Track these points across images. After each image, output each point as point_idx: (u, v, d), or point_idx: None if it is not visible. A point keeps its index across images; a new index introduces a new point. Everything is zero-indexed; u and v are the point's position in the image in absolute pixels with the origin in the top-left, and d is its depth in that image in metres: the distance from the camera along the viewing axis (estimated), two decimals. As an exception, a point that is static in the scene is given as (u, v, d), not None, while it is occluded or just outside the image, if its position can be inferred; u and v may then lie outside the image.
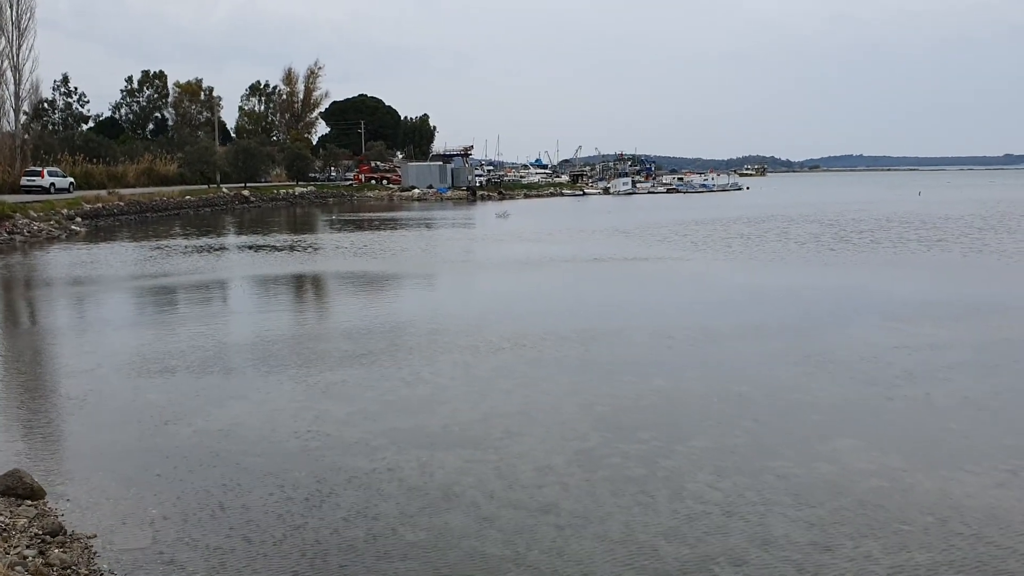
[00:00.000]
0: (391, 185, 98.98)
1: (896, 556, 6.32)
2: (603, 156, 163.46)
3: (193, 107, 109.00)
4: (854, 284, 21.17)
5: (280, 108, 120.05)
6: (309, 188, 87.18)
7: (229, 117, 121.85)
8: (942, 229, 38.78)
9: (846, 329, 14.83)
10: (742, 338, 14.16)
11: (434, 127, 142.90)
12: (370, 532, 6.86)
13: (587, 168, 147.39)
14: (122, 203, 51.32)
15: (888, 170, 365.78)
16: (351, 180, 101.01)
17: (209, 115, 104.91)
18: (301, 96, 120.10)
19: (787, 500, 7.38)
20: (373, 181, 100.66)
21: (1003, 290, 19.92)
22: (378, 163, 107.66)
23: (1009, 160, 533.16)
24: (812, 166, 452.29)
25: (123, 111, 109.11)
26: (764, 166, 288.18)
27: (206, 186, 72.37)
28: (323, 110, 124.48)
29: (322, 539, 6.75)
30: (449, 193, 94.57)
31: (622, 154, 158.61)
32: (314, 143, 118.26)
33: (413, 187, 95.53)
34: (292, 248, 33.40)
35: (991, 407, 10.04)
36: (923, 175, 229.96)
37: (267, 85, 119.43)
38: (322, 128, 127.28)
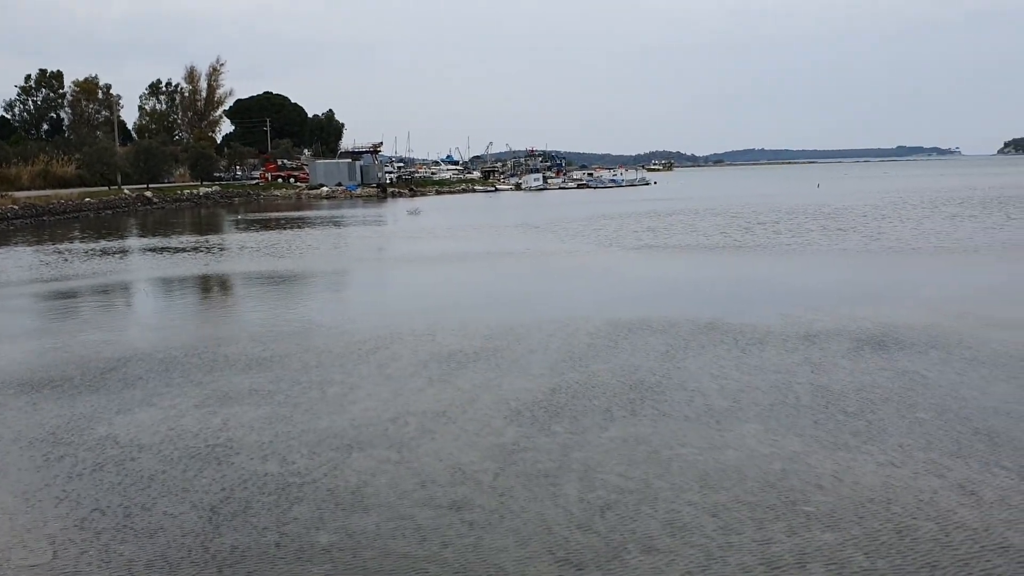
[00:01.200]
0: (299, 183, 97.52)
1: (799, 537, 6.53)
2: (514, 152, 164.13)
3: (91, 106, 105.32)
4: (757, 274, 21.79)
5: (183, 107, 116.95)
6: (214, 188, 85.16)
7: (129, 116, 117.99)
8: (840, 219, 40.17)
9: (750, 318, 15.24)
10: (651, 329, 14.42)
11: (342, 124, 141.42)
12: (282, 537, 6.76)
13: (498, 164, 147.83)
14: (16, 206, 49.31)
15: (788, 163, 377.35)
16: (257, 179, 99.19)
17: (108, 114, 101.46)
18: (204, 94, 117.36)
19: (695, 486, 7.56)
20: (280, 180, 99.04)
21: (898, 278, 20.76)
22: (285, 161, 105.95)
23: (902, 151, 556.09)
24: (716, 160, 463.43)
25: (16, 110, 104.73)
26: (671, 161, 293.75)
27: (107, 188, 70.01)
28: (227, 108, 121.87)
29: (233, 547, 6.63)
30: (359, 191, 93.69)
31: (533, 150, 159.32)
32: (218, 142, 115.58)
33: (321, 185, 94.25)
34: (197, 249, 32.61)
35: (885, 390, 10.44)
36: (821, 167, 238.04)
37: (169, 83, 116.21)
38: (227, 127, 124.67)
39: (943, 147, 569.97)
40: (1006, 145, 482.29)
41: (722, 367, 11.74)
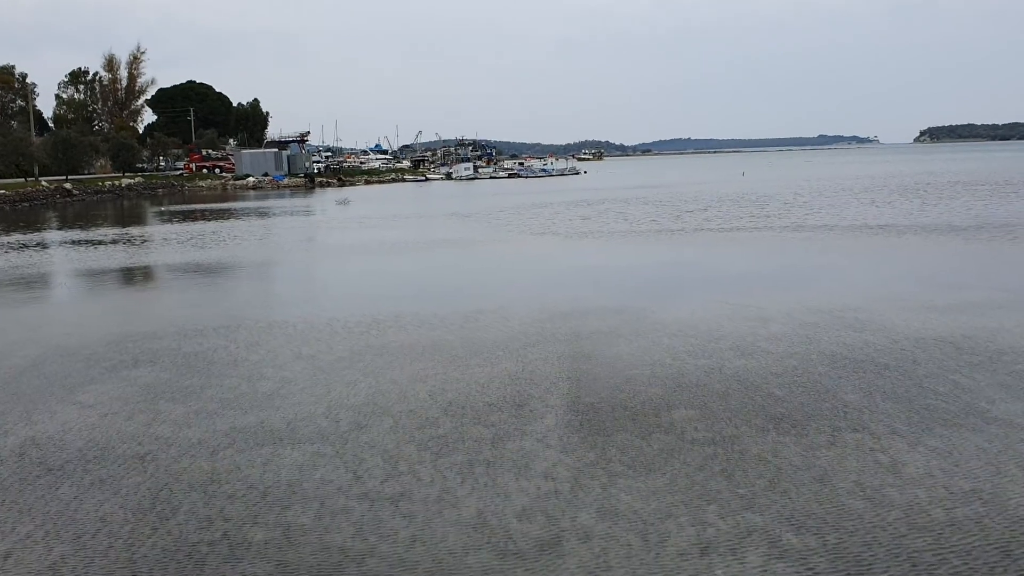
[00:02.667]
0: (224, 174, 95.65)
1: (733, 519, 6.63)
2: (444, 141, 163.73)
3: (6, 96, 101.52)
4: (687, 260, 22.10)
5: (103, 96, 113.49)
6: (137, 179, 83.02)
7: (46, 106, 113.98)
8: (766, 206, 40.98)
9: (680, 304, 15.43)
10: (584, 316, 14.50)
11: (267, 113, 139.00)
12: (216, 534, 6.60)
13: (428, 153, 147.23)
14: (-77, 199, 47.25)
15: (714, 152, 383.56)
16: (181, 170, 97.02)
17: (23, 104, 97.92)
18: (125, 83, 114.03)
19: (630, 472, 7.62)
20: (205, 170, 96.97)
21: (818, 263, 21.24)
22: (210, 151, 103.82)
23: (823, 140, 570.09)
24: (645, 150, 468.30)
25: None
26: (601, 151, 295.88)
27: (23, 179, 67.59)
28: (149, 97, 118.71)
29: (165, 546, 6.45)
30: (286, 181, 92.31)
31: (463, 139, 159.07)
32: (141, 132, 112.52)
33: (248, 175, 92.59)
34: (120, 242, 31.74)
35: (810, 374, 10.67)
36: (746, 156, 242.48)
37: (87, 72, 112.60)
38: (149, 116, 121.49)
39: (862, 136, 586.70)
40: (921, 134, 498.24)
41: (655, 353, 11.85)
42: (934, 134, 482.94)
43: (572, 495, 7.15)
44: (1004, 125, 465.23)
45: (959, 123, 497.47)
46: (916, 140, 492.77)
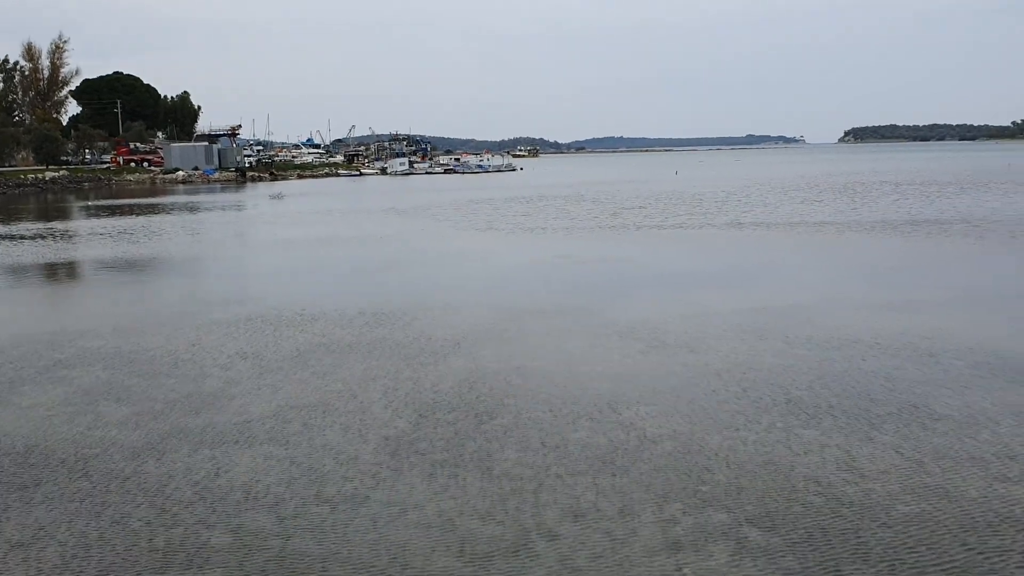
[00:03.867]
0: (153, 168, 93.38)
1: (696, 516, 6.65)
2: (378, 136, 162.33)
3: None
4: (631, 258, 22.23)
5: (22, 86, 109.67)
6: (62, 172, 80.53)
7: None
8: (702, 204, 41.54)
9: (626, 300, 15.51)
10: (532, 314, 14.47)
11: (198, 106, 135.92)
12: (168, 541, 6.37)
13: (362, 148, 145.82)
14: None
15: (646, 151, 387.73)
16: (108, 163, 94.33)
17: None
18: (47, 73, 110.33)
19: (592, 470, 7.60)
20: (133, 164, 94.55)
21: (760, 259, 21.57)
22: (138, 145, 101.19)
23: (751, 140, 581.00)
24: (578, 148, 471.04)
25: None
26: (537, 148, 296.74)
27: (-64, 171, 64.94)
28: (73, 88, 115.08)
29: (114, 553, 6.20)
30: (217, 175, 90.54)
31: (397, 134, 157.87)
32: (65, 124, 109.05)
33: (177, 169, 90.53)
34: (45, 237, 30.72)
35: (760, 369, 10.80)
36: (678, 155, 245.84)
37: (7, 61, 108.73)
38: (74, 108, 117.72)
39: (789, 136, 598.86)
40: (846, 134, 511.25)
41: (607, 350, 11.88)
42: (858, 134, 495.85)
43: (534, 495, 7.09)
44: (924, 126, 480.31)
45: (882, 124, 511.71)
46: (841, 140, 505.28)
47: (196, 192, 67.93)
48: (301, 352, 12.15)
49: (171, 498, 7.16)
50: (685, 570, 5.83)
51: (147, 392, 10.28)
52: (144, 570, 5.97)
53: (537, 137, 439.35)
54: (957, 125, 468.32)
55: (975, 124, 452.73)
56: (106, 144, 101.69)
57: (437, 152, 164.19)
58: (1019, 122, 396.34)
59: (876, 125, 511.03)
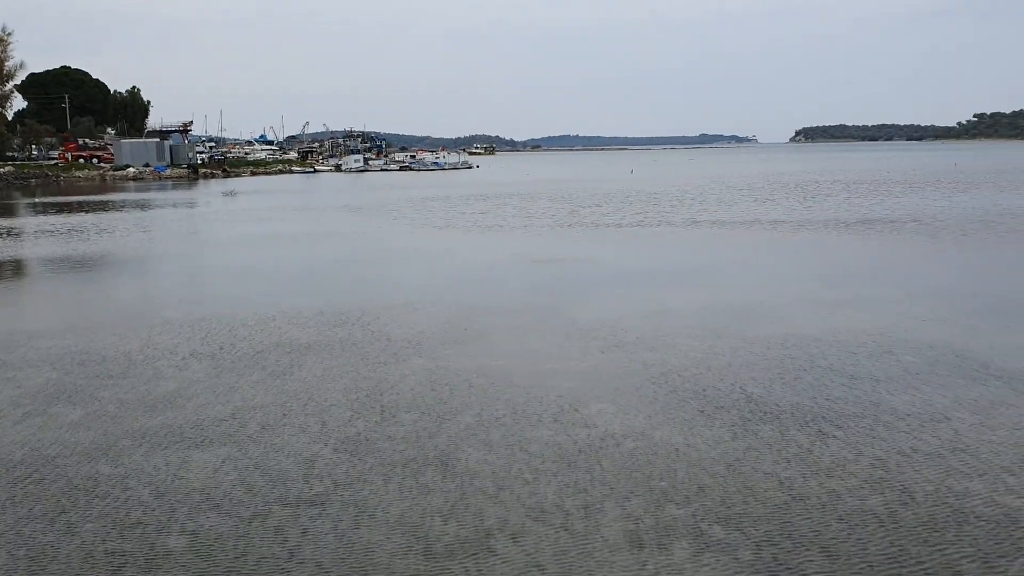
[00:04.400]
0: (103, 164, 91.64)
1: (658, 512, 6.69)
2: (332, 132, 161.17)
3: None
4: (588, 256, 22.31)
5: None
6: (7, 168, 78.77)
7: None
8: (658, 203, 41.86)
9: (586, 299, 15.57)
10: (492, 313, 14.46)
11: (148, 101, 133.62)
12: (124, 544, 6.26)
13: (316, 145, 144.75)
14: None
15: (601, 149, 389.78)
16: (56, 159, 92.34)
17: None
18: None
19: (554, 468, 7.61)
20: (82, 160, 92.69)
21: (717, 258, 21.79)
22: (87, 141, 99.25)
23: (704, 139, 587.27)
24: (534, 146, 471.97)
25: None
26: (493, 145, 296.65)
27: None
28: (19, 83, 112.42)
29: (69, 558, 6.07)
30: (168, 172, 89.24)
31: (351, 131, 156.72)
32: (10, 119, 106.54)
33: (128, 166, 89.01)
34: (-9, 235, 29.95)
35: (719, 367, 10.91)
36: (632, 153, 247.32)
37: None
38: (19, 102, 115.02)
39: (741, 135, 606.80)
40: (797, 134, 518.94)
41: (567, 349, 11.91)
42: (809, 134, 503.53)
43: (497, 493, 7.09)
44: (873, 127, 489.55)
45: (832, 124, 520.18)
46: (792, 140, 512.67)
47: (147, 189, 66.84)
48: (258, 352, 12.00)
49: (127, 501, 7.03)
50: (648, 567, 5.87)
51: (100, 393, 10.09)
52: (100, 571, 5.85)
53: (493, 135, 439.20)
54: (905, 125, 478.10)
55: (922, 125, 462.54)
56: (54, 140, 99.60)
57: (392, 149, 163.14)
58: (964, 123, 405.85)
59: (826, 125, 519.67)
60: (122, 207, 45.36)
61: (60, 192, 62.77)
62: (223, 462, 7.88)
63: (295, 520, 6.65)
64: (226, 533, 6.44)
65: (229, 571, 5.90)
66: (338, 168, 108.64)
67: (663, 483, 7.27)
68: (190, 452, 8.14)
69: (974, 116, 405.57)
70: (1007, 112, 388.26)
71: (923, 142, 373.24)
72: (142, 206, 46.18)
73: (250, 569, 5.93)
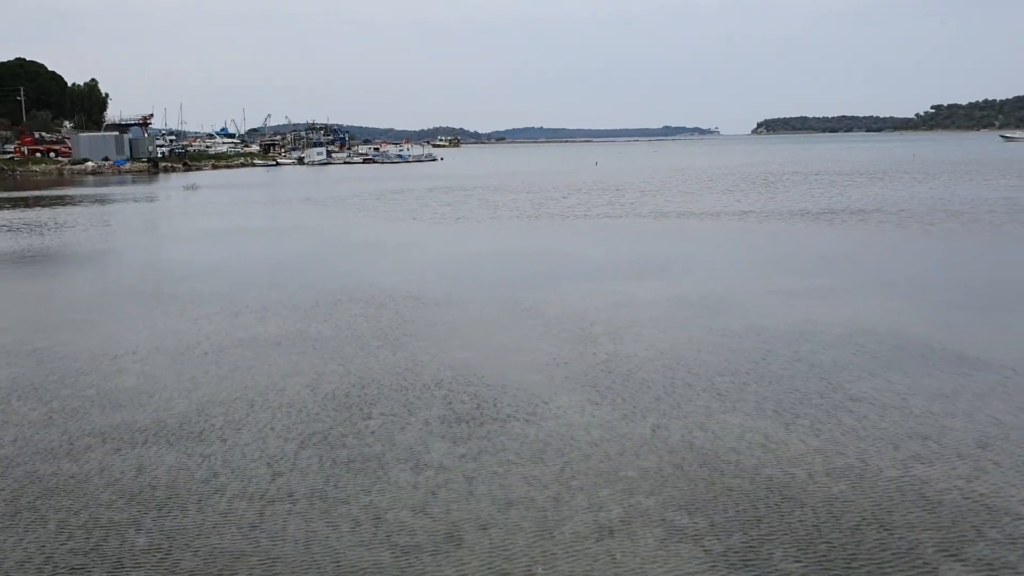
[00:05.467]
0: (60, 158, 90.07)
1: (625, 501, 6.74)
2: (294, 125, 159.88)
3: None
4: (555, 248, 22.35)
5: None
6: (-41, 162, 76.90)
7: None
8: (624, 194, 42.01)
9: (552, 291, 15.60)
10: (458, 305, 14.44)
11: (106, 94, 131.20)
12: (91, 542, 6.18)
13: (278, 138, 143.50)
14: None
15: (566, 141, 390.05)
16: (12, 153, 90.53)
17: None
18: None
19: (522, 460, 7.63)
20: (39, 154, 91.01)
21: (679, 249, 21.91)
22: (43, 134, 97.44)
23: (667, 131, 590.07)
24: (499, 138, 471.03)
25: None
26: (458, 137, 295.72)
27: None
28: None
29: (37, 558, 5.98)
30: (128, 165, 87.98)
31: (314, 123, 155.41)
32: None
33: (86, 160, 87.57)
34: (-55, 231, 29.32)
35: (683, 357, 11.00)
36: (596, 146, 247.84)
37: None
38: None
39: (704, 127, 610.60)
40: (759, 126, 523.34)
41: (535, 341, 11.93)
42: (770, 126, 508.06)
43: (466, 486, 7.09)
44: (833, 118, 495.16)
45: (793, 116, 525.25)
46: (754, 132, 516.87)
47: (107, 183, 65.81)
48: (223, 347, 11.89)
49: (90, 499, 6.94)
50: (615, 555, 5.91)
51: (61, 390, 9.94)
52: (70, 572, 5.78)
53: (457, 127, 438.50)
54: (864, 117, 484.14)
55: (881, 116, 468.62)
56: (9, 133, 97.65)
57: (356, 141, 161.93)
58: (922, 114, 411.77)
59: (787, 117, 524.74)
60: (81, 202, 44.63)
61: (16, 187, 61.62)
62: (188, 458, 7.80)
63: (263, 516, 6.60)
64: (191, 529, 6.38)
65: (194, 567, 5.85)
66: (301, 161, 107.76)
67: (630, 472, 7.32)
68: (154, 449, 8.05)
69: (932, 108, 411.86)
70: (963, 104, 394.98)
71: (882, 133, 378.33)
72: (101, 201, 45.48)
73: (219, 565, 5.87)
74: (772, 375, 10.12)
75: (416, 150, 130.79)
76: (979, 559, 5.77)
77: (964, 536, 6.08)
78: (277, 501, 6.87)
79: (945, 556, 5.82)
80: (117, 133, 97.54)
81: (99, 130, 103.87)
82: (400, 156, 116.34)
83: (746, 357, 10.92)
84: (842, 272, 17.40)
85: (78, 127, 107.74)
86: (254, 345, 11.95)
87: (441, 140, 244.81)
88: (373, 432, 8.40)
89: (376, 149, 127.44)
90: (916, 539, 6.06)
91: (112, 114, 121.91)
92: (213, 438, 8.33)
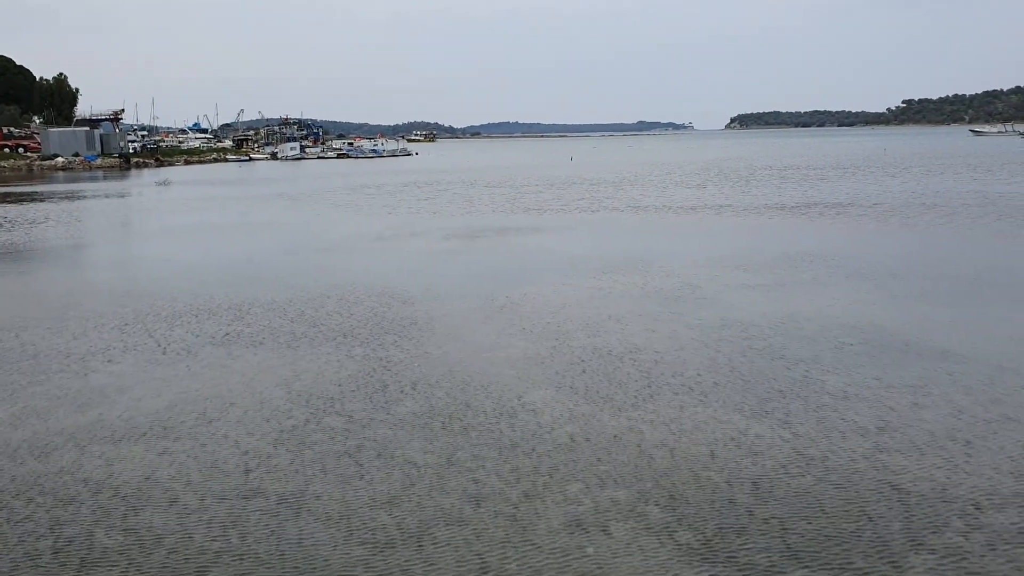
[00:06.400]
0: (29, 154, 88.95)
1: (598, 496, 6.76)
2: (267, 120, 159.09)
3: None
4: (530, 242, 22.35)
5: None
6: (-75, 158, 75.74)
7: None
8: (599, 189, 42.11)
9: (529, 285, 15.60)
10: (434, 300, 14.41)
11: (76, 89, 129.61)
12: (58, 542, 6.11)
13: (251, 133, 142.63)
14: None
15: (541, 136, 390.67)
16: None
17: None
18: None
19: (495, 455, 7.63)
20: (7, 149, 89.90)
21: (654, 244, 22.00)
22: (12, 129, 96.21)
23: (642, 126, 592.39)
24: (474, 133, 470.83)
25: None
26: (434, 132, 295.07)
27: None
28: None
29: (2, 559, 5.91)
30: (99, 161, 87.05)
31: (287, 118, 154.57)
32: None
33: (56, 155, 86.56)
34: (-89, 228, 28.86)
35: (657, 351, 11.05)
36: (571, 141, 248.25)
37: None
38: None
39: (678, 123, 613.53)
40: (732, 121, 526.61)
41: (509, 336, 11.93)
42: (743, 121, 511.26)
43: (438, 482, 7.08)
44: (806, 113, 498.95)
45: (766, 111, 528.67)
46: (727, 127, 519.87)
47: (77, 179, 65.06)
48: (193, 344, 11.80)
49: (60, 498, 6.86)
50: (588, 549, 5.92)
51: (29, 389, 9.82)
52: (29, 573, 5.71)
53: (432, 121, 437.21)
54: (836, 111, 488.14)
55: (853, 111, 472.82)
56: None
57: (330, 136, 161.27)
58: (894, 109, 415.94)
59: (761, 112, 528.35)
60: (51, 198, 44.10)
61: (-16, 183, 60.74)
62: (159, 456, 7.73)
63: (234, 514, 6.55)
64: (163, 527, 6.32)
65: (166, 565, 5.79)
66: (274, 156, 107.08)
67: (603, 466, 7.34)
68: (124, 447, 7.97)
69: (903, 102, 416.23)
70: (934, 98, 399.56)
71: (854, 128, 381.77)
72: (72, 197, 44.95)
73: (190, 563, 5.83)
74: (744, 368, 10.17)
75: (391, 145, 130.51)
76: (946, 549, 5.84)
77: (932, 527, 6.15)
78: (248, 498, 6.82)
79: (913, 546, 5.88)
80: (87, 128, 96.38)
81: (69, 125, 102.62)
82: (374, 151, 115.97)
83: (720, 351, 10.98)
84: (820, 265, 17.52)
85: (47, 122, 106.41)
86: (226, 342, 11.87)
87: (416, 135, 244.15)
88: (346, 428, 8.36)
89: (350, 144, 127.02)
90: (885, 530, 6.12)
91: (82, 109, 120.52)
92: (183, 435, 8.25)
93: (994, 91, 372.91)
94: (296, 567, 5.78)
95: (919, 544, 5.91)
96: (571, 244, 22.16)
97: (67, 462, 7.64)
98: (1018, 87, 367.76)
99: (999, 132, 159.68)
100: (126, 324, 13.07)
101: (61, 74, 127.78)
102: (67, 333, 12.55)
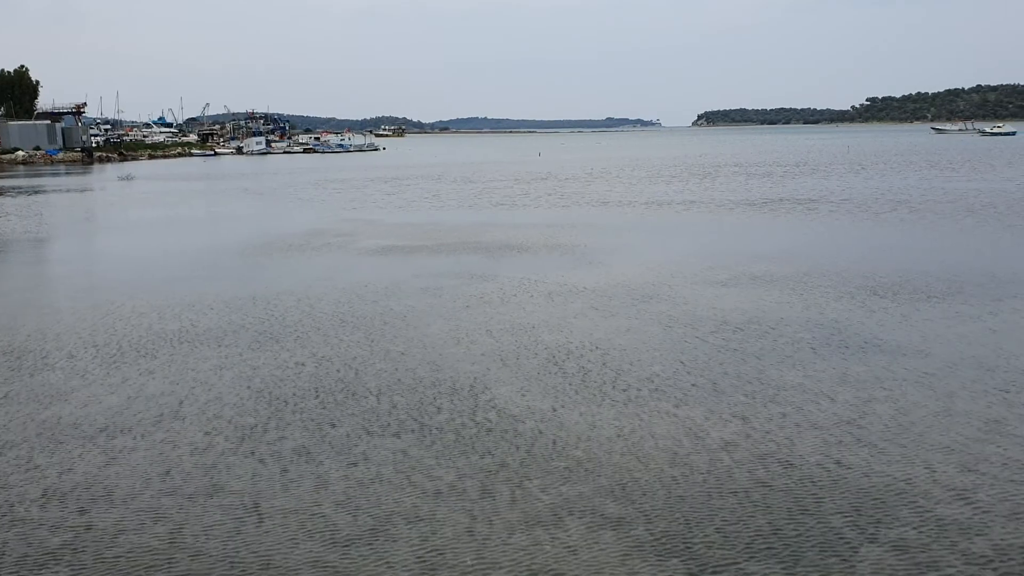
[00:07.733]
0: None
1: (555, 491, 6.78)
2: (233, 115, 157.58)
3: None
4: (494, 238, 22.33)
5: None
6: None
7: None
8: (567, 185, 42.17)
9: (490, 282, 15.61)
10: (392, 296, 14.37)
11: (37, 82, 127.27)
12: (5, 541, 6.03)
13: (216, 127, 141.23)
14: None
15: (510, 132, 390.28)
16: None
17: None
18: None
19: (455, 451, 7.64)
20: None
21: (617, 240, 22.06)
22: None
23: (610, 123, 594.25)
24: (443, 128, 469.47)
25: None
26: (402, 127, 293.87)
27: None
28: None
29: (-55, 560, 5.82)
30: (61, 155, 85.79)
31: (253, 112, 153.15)
32: None
33: (16, 149, 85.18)
34: None
35: (616, 347, 11.10)
36: (539, 137, 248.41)
37: None
38: None
39: (646, 119, 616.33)
40: (699, 117, 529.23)
41: (470, 332, 11.93)
42: (710, 118, 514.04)
43: (398, 478, 7.07)
44: (772, 110, 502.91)
45: (733, 108, 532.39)
46: (694, 123, 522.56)
47: (39, 174, 64.06)
48: (151, 340, 11.68)
49: (10, 494, 6.77)
50: (544, 545, 5.95)
51: (-17, 387, 9.67)
52: (-20, 576, 5.64)
53: (401, 116, 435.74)
54: (802, 109, 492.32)
55: (818, 108, 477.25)
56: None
57: (296, 131, 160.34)
58: (858, 107, 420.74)
59: (727, 109, 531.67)
60: (10, 192, 43.38)
61: (-59, 176, 59.64)
62: (115, 454, 7.65)
63: (190, 512, 6.50)
64: (117, 526, 6.26)
65: (119, 564, 5.74)
66: (240, 151, 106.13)
67: (561, 463, 7.36)
68: (79, 445, 7.87)
69: (867, 100, 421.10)
70: (898, 96, 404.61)
71: (819, 125, 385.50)
72: (34, 191, 44.25)
73: (143, 562, 5.77)
74: (700, 363, 10.25)
75: (358, 139, 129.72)
76: (896, 541, 5.93)
77: (883, 519, 6.25)
78: (204, 496, 6.77)
79: (864, 538, 5.97)
80: (49, 122, 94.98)
81: (30, 118, 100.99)
82: (341, 146, 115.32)
83: (675, 346, 11.06)
84: (785, 261, 17.67)
85: (7, 115, 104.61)
86: (185, 339, 11.76)
87: (385, 129, 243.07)
88: (305, 426, 8.32)
89: (317, 139, 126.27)
90: (836, 522, 6.21)
91: (44, 102, 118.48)
92: (140, 433, 8.17)
93: (955, 89, 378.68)
94: (251, 566, 5.75)
95: (869, 536, 6.00)
96: (537, 239, 22.14)
97: (20, 458, 7.51)
98: (979, 86, 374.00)
99: (960, 130, 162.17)
100: (85, 319, 12.89)
101: (22, 66, 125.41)
102: (24, 330, 12.36)
